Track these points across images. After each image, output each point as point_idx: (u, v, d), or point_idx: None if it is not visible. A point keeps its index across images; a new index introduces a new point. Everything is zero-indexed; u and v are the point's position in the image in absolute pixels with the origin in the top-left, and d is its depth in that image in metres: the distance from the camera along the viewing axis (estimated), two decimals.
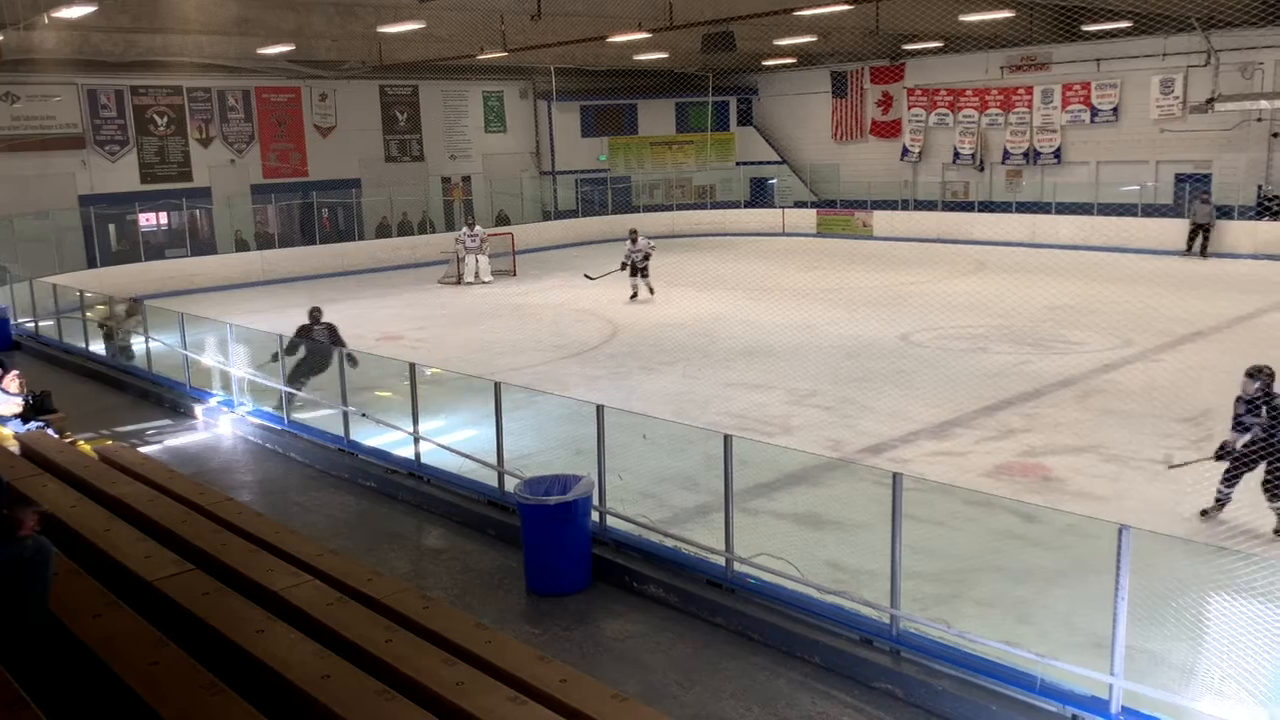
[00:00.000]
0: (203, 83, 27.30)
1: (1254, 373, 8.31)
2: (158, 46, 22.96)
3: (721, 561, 7.36)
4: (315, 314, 13.39)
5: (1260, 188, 25.78)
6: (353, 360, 11.82)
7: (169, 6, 19.75)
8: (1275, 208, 25.28)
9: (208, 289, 24.24)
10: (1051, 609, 7.11)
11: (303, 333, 13.03)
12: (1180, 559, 7.61)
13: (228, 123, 28.29)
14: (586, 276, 23.24)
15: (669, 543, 7.85)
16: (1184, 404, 12.07)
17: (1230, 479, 8.42)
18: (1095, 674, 5.60)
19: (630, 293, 21.55)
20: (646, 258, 21.57)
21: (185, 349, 13.87)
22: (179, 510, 6.73)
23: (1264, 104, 25.49)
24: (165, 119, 27.19)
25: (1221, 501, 8.48)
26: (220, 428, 12.49)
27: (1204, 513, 8.55)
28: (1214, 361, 14.45)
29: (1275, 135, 25.68)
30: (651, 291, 21.50)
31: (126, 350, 15.86)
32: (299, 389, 12.09)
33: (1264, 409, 8.08)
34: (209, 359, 13.53)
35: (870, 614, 6.53)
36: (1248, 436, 8.23)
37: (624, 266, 21.77)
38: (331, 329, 13.33)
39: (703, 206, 34.85)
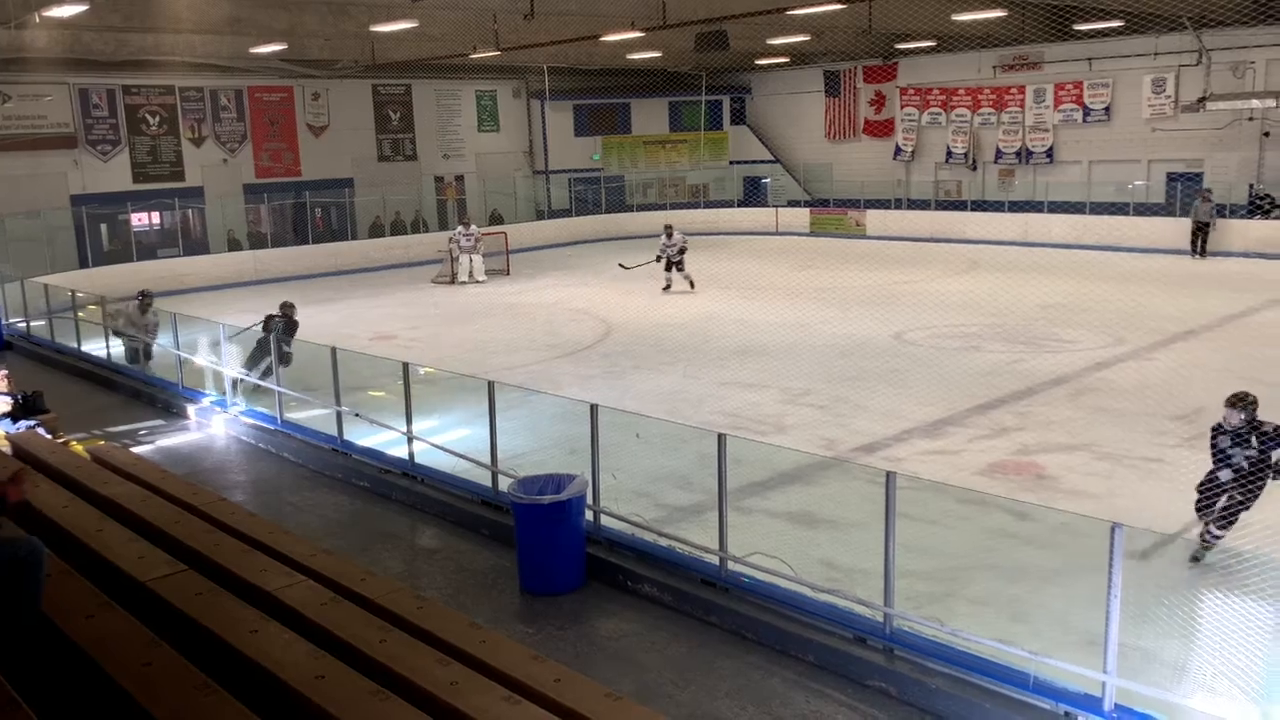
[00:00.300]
0: (195, 82, 27.24)
1: (1237, 402, 7.57)
2: (149, 46, 22.91)
3: (716, 560, 7.37)
4: (286, 307, 14.05)
5: (1252, 186, 25.86)
6: (285, 359, 12.55)
7: (161, 6, 19.71)
8: (1267, 206, 25.37)
9: (200, 289, 24.17)
10: (1045, 607, 7.13)
11: (266, 322, 13.65)
12: (1173, 557, 7.64)
13: (220, 122, 28.23)
14: (621, 266, 23.73)
15: (663, 542, 7.87)
16: (1176, 402, 12.09)
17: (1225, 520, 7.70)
18: (1088, 671, 5.62)
19: (663, 284, 22.02)
20: (681, 252, 22.05)
21: (178, 349, 13.86)
22: (172, 511, 6.72)
23: (1255, 103, 25.57)
24: (157, 118, 27.12)
25: (1209, 546, 7.72)
26: (213, 428, 12.47)
27: (1194, 559, 7.79)
28: (1206, 360, 14.50)
29: (1267, 134, 25.76)
30: (692, 285, 21.81)
31: (147, 350, 14.98)
32: (258, 376, 12.64)
33: (1253, 437, 7.48)
34: (201, 359, 13.52)
35: (864, 612, 6.54)
36: (1229, 472, 7.59)
37: (659, 259, 22.24)
38: (289, 323, 13.87)
39: (696, 205, 34.85)
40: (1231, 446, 7.59)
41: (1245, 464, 7.51)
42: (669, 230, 22.32)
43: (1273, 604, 5.97)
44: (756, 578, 7.15)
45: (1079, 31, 25.84)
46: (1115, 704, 5.53)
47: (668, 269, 22.12)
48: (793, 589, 6.93)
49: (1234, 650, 5.68)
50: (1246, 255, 24.09)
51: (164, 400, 13.64)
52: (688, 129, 36.16)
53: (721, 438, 7.26)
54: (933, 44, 29.10)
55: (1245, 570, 6.97)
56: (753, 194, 36.06)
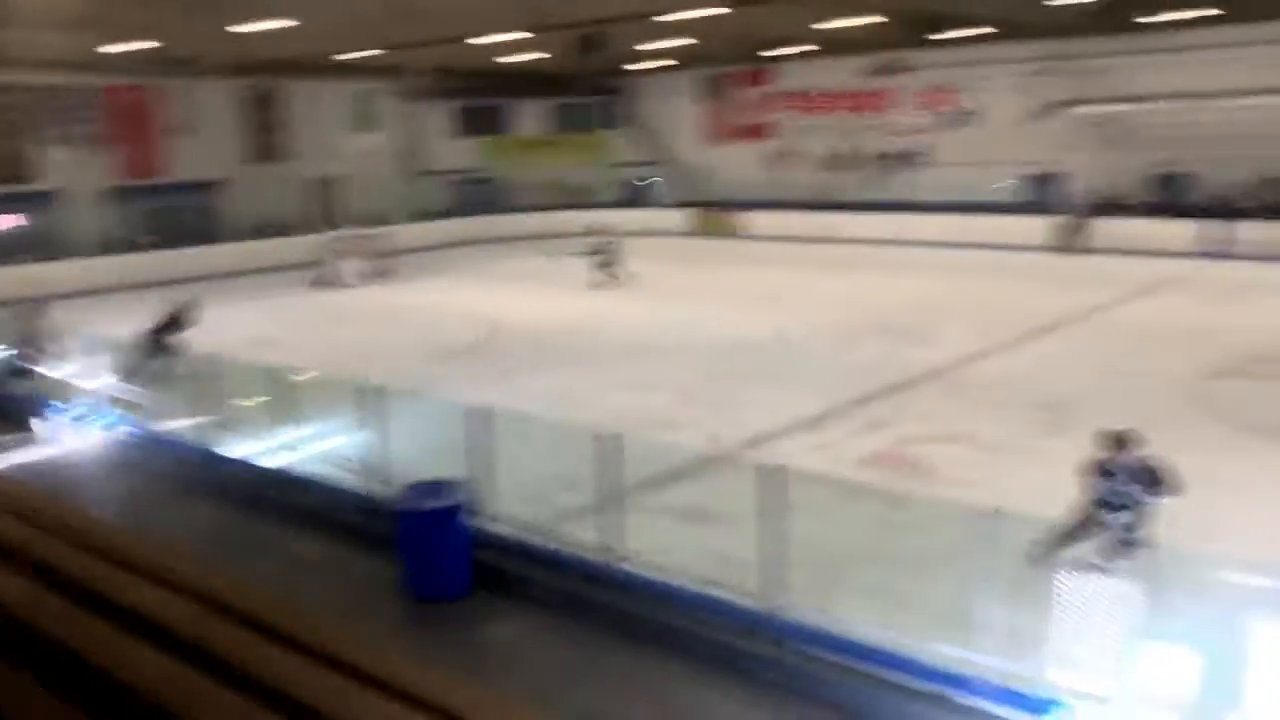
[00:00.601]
0: (53, 80, 25.86)
1: (1121, 442, 7.33)
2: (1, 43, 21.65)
3: (606, 559, 7.37)
4: (177, 311, 14.32)
5: (1099, 188, 27.13)
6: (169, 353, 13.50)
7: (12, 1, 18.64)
8: (1119, 205, 26.67)
9: (62, 296, 22.94)
10: (925, 592, 7.32)
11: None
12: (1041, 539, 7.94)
13: (81, 122, 26.86)
14: (546, 256, 24.38)
15: (552, 544, 7.82)
16: (1044, 392, 12.67)
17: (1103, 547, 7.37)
18: (965, 652, 5.82)
19: (594, 281, 22.16)
20: (610, 251, 22.55)
21: (41, 358, 13.15)
22: (28, 530, 6.35)
23: (1106, 107, 26.97)
24: (11, 118, 25.65)
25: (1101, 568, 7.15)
26: (77, 440, 11.84)
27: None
28: (1071, 351, 15.22)
29: (1098, 131, 27.08)
30: (620, 279, 22.13)
31: (28, 376, 13.90)
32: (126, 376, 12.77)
33: (1143, 473, 7.22)
34: (66, 369, 12.85)
35: (753, 605, 6.62)
36: (1128, 513, 7.24)
37: (587, 255, 22.52)
38: (175, 319, 14.30)
39: (580, 207, 34.75)
40: (1125, 484, 7.28)
41: (1132, 500, 7.26)
42: (596, 231, 22.85)
43: (1131, 582, 6.27)
44: (647, 575, 7.17)
45: (946, 39, 26.79)
46: (992, 682, 5.73)
47: (600, 267, 22.44)
48: (683, 585, 6.98)
49: (1095, 626, 5.95)
50: (1099, 252, 25.22)
51: (23, 413, 12.88)
52: (571, 130, 36.14)
53: (610, 437, 7.26)
54: (809, 49, 29.75)
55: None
56: (636, 195, 36.21)
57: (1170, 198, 26.49)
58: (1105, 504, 7.29)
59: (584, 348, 16.46)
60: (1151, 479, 7.17)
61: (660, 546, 7.30)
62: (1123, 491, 7.25)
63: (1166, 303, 19.26)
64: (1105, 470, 7.34)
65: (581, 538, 7.67)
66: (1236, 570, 5.84)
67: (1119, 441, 7.36)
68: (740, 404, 12.76)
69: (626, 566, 7.25)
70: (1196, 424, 11.00)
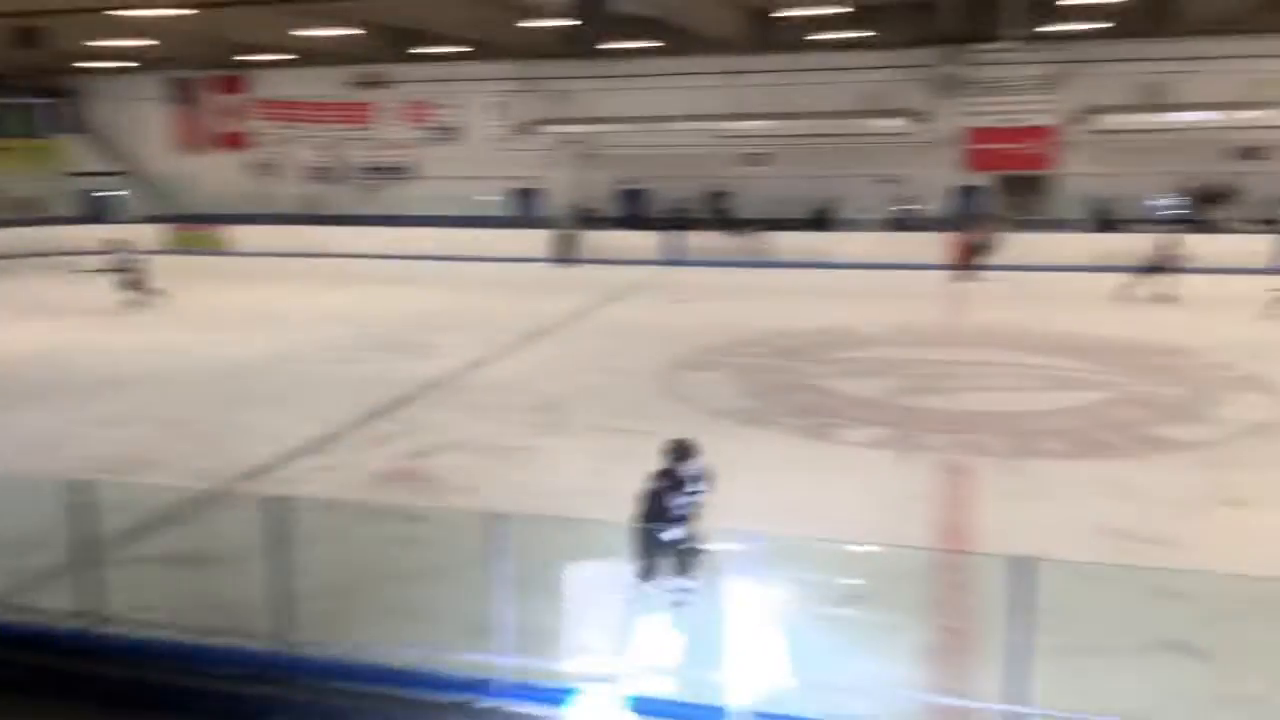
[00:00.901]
0: None
1: (683, 451, 7.04)
2: None
3: (83, 625, 6.48)
4: None
5: (578, 202, 29.47)
6: None
7: None
8: (597, 219, 29.12)
9: None
10: (444, 604, 7.34)
11: None
12: (554, 538, 8.37)
13: None
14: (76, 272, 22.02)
15: (11, 615, 6.71)
16: (539, 394, 13.41)
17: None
18: (485, 656, 5.95)
19: (121, 301, 20.06)
20: (136, 267, 20.51)
21: None
22: None
23: (575, 127, 29.35)
24: None
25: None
26: None
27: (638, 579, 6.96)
28: (561, 354, 16.30)
29: (571, 149, 29.57)
30: (149, 292, 20.23)
31: None
32: None
33: (704, 480, 7.05)
34: None
35: (262, 647, 6.21)
36: (694, 521, 6.94)
37: (107, 272, 20.48)
38: None
39: (27, 223, 30.37)
40: (686, 492, 6.98)
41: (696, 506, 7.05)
42: (118, 246, 20.70)
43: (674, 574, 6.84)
44: (133, 636, 6.42)
45: (422, 54, 27.36)
46: (507, 681, 5.92)
47: (126, 286, 20.16)
48: (178, 639, 6.36)
49: (602, 613, 6.42)
50: (583, 261, 27.30)
51: None
52: (11, 135, 31.64)
53: (83, 483, 6.42)
54: (284, 57, 28.73)
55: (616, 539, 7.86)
56: (97, 209, 32.42)
57: (635, 211, 29.51)
58: (676, 516, 6.91)
59: (49, 383, 14.39)
60: (710, 483, 7.07)
61: (150, 601, 6.57)
62: (691, 500, 6.97)
63: (640, 305, 21.35)
64: (674, 481, 6.99)
65: (53, 604, 6.67)
66: (724, 541, 6.56)
67: (681, 450, 7.05)
68: (238, 432, 11.93)
69: (108, 630, 6.43)
70: (674, 413, 12.25)
